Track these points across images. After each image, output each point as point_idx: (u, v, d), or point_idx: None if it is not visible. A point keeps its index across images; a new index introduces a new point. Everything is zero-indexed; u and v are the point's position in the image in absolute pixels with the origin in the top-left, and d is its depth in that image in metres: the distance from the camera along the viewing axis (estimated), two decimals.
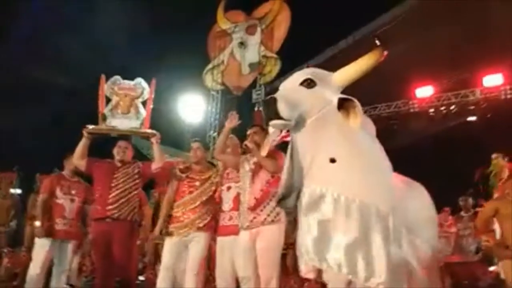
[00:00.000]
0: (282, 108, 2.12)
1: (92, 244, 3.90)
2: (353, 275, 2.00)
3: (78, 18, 12.68)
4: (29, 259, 5.94)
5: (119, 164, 3.96)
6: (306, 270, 2.24)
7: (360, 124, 2.13)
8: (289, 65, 10.47)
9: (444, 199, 7.55)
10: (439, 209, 7.60)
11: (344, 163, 2.13)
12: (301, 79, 2.26)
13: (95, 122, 3.93)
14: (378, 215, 2.06)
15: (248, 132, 3.46)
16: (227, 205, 3.54)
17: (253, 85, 11.03)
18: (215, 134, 11.08)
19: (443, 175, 9.52)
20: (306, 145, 2.22)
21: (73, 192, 4.41)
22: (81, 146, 3.92)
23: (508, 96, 9.17)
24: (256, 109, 10.54)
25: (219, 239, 3.55)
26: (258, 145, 3.24)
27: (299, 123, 2.21)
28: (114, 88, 4.15)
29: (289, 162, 2.27)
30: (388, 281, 1.96)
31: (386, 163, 2.22)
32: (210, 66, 11.75)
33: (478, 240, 5.09)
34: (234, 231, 3.36)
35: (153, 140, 3.95)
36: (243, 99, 11.14)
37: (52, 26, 11.75)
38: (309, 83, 2.24)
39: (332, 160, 2.13)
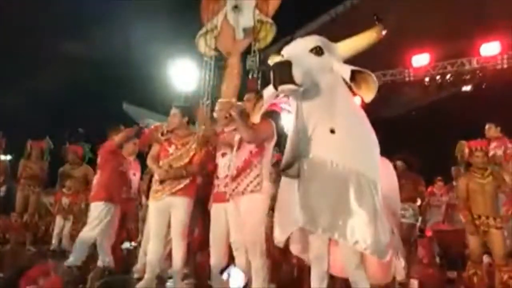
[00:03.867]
0: (296, 72, 2.09)
1: None
2: (343, 239, 2.14)
3: None
4: (21, 224, 5.95)
5: None
6: (279, 238, 2.39)
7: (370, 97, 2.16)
8: (282, 31, 10.26)
9: (437, 169, 7.63)
10: (432, 178, 7.73)
11: (343, 134, 2.22)
12: (310, 46, 2.25)
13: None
14: (373, 185, 2.17)
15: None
16: (222, 171, 3.51)
17: (248, 51, 10.79)
18: (209, 101, 10.94)
19: (436, 144, 9.55)
20: (310, 113, 2.26)
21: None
22: None
23: (505, 66, 9.04)
24: (250, 76, 10.35)
25: (214, 205, 3.52)
26: (247, 114, 3.17)
27: (307, 90, 2.20)
28: None
29: (293, 131, 2.30)
30: (374, 247, 2.11)
31: (374, 136, 2.35)
32: (203, 30, 11.43)
33: None
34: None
35: None
36: None
37: None
38: (317, 51, 2.24)
39: (332, 131, 2.22)
